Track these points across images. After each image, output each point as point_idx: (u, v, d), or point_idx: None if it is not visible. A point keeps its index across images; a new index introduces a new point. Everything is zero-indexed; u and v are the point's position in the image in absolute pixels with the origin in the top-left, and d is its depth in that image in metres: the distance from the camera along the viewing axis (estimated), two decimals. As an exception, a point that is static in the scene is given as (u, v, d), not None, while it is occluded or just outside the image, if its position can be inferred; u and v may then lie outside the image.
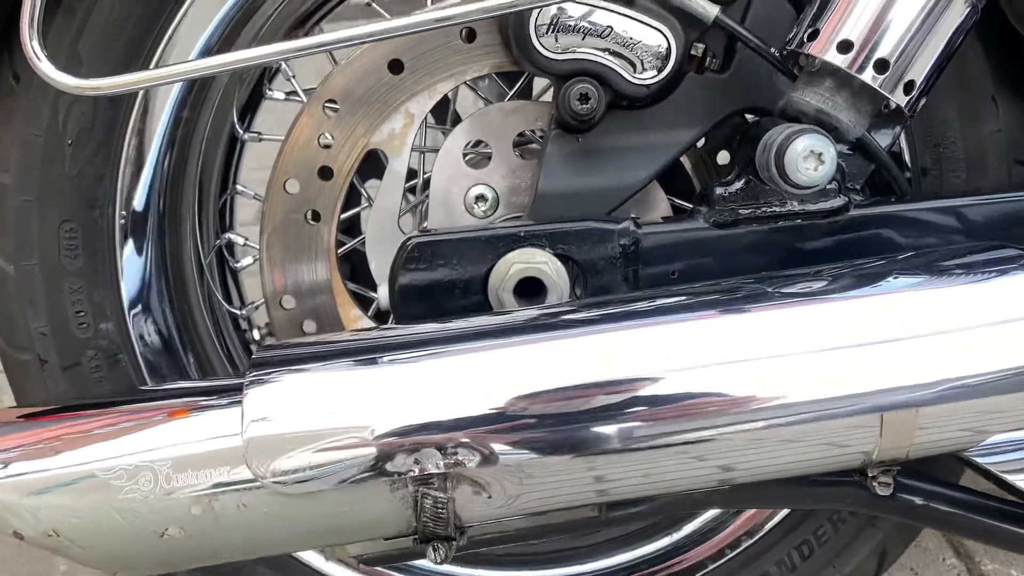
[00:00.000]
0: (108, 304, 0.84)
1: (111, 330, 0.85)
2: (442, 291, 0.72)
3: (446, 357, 0.60)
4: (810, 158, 0.64)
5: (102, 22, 0.78)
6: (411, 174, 0.86)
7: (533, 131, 0.82)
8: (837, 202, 0.70)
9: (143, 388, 0.68)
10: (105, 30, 0.78)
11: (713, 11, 0.70)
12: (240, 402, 0.58)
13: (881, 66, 0.62)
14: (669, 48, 0.72)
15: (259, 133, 0.95)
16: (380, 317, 0.87)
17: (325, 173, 0.82)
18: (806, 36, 0.65)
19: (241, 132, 0.93)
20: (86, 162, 0.81)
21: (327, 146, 0.81)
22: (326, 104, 0.80)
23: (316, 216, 0.83)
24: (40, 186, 0.81)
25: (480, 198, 0.82)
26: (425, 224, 0.83)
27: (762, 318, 0.59)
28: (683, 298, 0.61)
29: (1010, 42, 0.76)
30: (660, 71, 0.73)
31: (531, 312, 0.64)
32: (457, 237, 0.72)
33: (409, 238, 0.72)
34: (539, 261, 0.70)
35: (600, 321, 0.60)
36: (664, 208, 0.82)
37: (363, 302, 0.90)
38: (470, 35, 0.79)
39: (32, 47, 0.61)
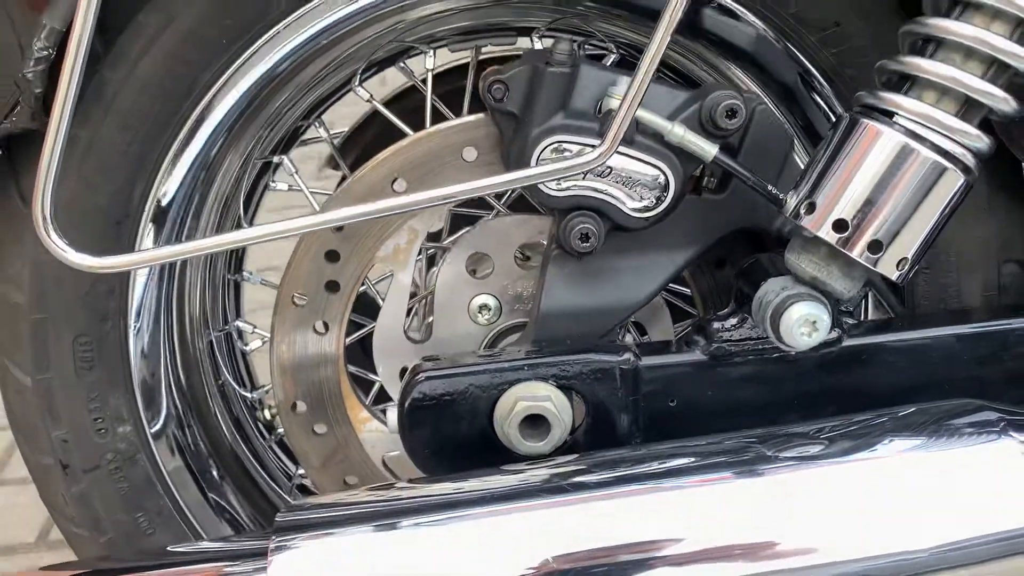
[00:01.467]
0: (124, 408, 0.87)
1: (129, 432, 0.88)
2: (449, 420, 0.75)
3: (468, 521, 0.63)
4: (805, 325, 0.66)
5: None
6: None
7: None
8: (831, 336, 0.72)
9: (169, 550, 0.71)
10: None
11: (712, 151, 0.71)
12: (265, 569, 0.62)
13: (875, 246, 0.64)
14: (667, 183, 0.74)
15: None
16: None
17: (332, 287, 0.84)
18: (803, 209, 0.66)
19: (246, 225, 0.95)
20: (96, 278, 0.83)
21: (335, 261, 0.83)
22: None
23: (325, 326, 0.85)
24: (53, 304, 0.83)
25: (484, 307, 0.85)
26: (431, 331, 0.85)
27: (765, 484, 0.62)
28: (688, 459, 0.65)
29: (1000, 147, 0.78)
30: (659, 203, 0.75)
31: (544, 472, 0.67)
32: (463, 371, 0.74)
33: (417, 370, 0.75)
34: (542, 397, 0.73)
35: (616, 483, 0.64)
36: (666, 320, 0.85)
37: (365, 386, 0.93)
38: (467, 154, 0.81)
39: (48, 234, 0.62)
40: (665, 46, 0.62)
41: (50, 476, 0.88)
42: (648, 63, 0.62)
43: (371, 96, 0.91)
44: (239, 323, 0.98)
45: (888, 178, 0.63)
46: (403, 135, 0.83)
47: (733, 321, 0.73)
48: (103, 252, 0.67)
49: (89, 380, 0.85)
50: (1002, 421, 0.62)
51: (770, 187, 0.71)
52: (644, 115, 0.71)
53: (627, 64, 0.89)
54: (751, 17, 0.79)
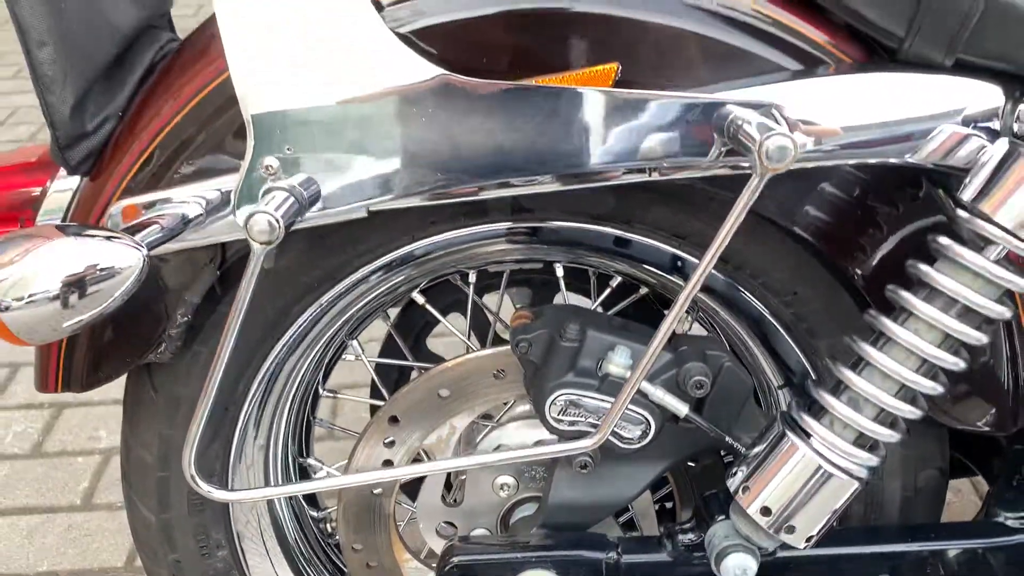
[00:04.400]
0: (223, 538, 1.12)
1: (225, 555, 1.13)
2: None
3: None
4: (738, 569, 0.88)
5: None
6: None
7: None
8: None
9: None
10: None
11: (684, 409, 0.93)
12: None
13: (790, 528, 0.86)
14: (650, 424, 0.95)
15: (334, 392, 1.20)
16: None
17: (387, 463, 1.07)
18: (741, 489, 0.88)
19: (323, 391, 1.18)
20: (206, 446, 1.07)
21: (390, 445, 1.06)
22: (390, 418, 1.05)
23: (381, 491, 1.09)
24: (173, 466, 1.07)
25: (504, 485, 1.08)
26: (463, 497, 1.09)
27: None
28: None
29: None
30: (643, 436, 0.96)
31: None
32: (486, 557, 0.97)
33: (450, 552, 0.98)
34: (545, 583, 0.97)
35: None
36: (650, 511, 1.08)
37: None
38: (499, 373, 1.03)
39: (197, 482, 0.87)
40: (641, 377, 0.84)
41: (166, 587, 1.14)
42: (631, 386, 0.84)
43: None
44: (311, 460, 1.22)
45: (801, 484, 0.84)
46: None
47: (691, 536, 0.96)
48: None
49: (196, 520, 1.10)
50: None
51: (728, 439, 0.93)
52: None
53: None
54: (722, 277, 1.00)
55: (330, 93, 0.80)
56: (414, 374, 1.29)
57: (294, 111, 0.80)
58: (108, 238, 0.74)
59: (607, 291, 1.12)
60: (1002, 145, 0.76)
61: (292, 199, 0.79)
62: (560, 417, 0.94)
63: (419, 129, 0.81)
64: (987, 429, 0.98)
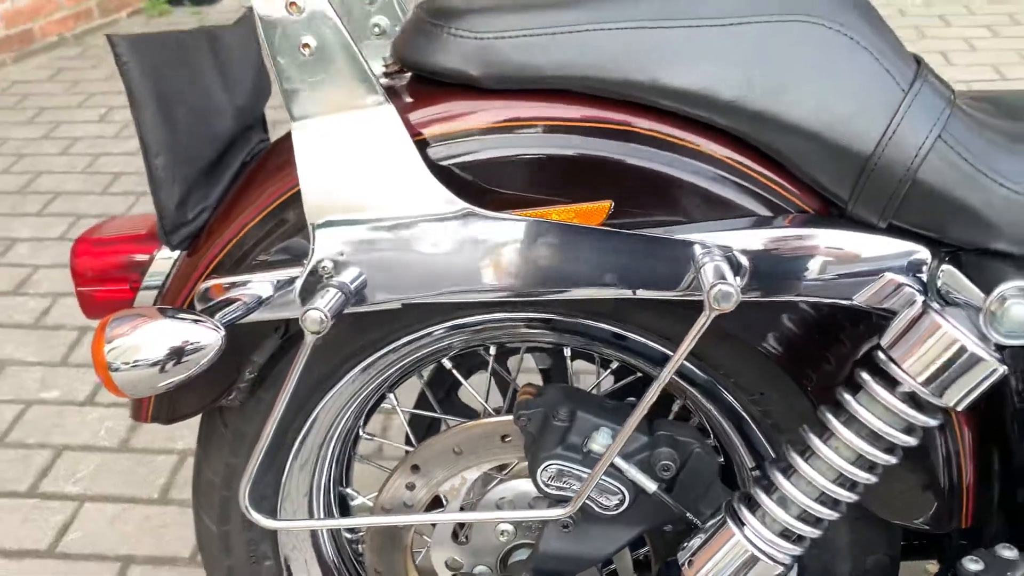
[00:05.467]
0: (269, 549, 1.34)
1: (271, 565, 1.35)
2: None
3: None
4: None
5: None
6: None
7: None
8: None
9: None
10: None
11: (652, 487, 1.10)
12: None
13: None
14: (624, 495, 1.13)
15: (372, 434, 1.41)
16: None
17: (407, 505, 1.27)
18: (687, 561, 1.04)
19: (364, 434, 1.39)
20: (261, 476, 1.29)
21: (411, 488, 1.26)
22: (412, 466, 1.25)
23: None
24: (234, 487, 1.29)
25: (504, 531, 1.26)
26: (470, 538, 1.28)
27: None
28: None
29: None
30: (620, 505, 1.14)
31: None
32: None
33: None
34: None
35: None
36: (629, 565, 1.25)
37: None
38: (505, 438, 1.22)
39: (249, 512, 1.08)
40: (613, 456, 1.02)
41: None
42: (603, 463, 1.02)
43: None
44: (348, 490, 1.43)
45: (734, 567, 1.01)
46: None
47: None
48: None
49: (248, 535, 1.32)
50: None
51: (689, 515, 1.10)
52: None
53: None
54: (699, 373, 1.17)
55: (377, 213, 1.00)
56: (443, 425, 1.49)
57: (348, 225, 1.01)
58: (195, 321, 0.96)
59: (607, 372, 1.30)
60: (917, 305, 0.92)
61: (341, 295, 1.00)
62: (549, 483, 1.13)
63: (446, 247, 1.01)
64: (925, 527, 1.12)
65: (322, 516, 1.38)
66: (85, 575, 1.99)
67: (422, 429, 1.49)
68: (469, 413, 1.54)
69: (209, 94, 1.15)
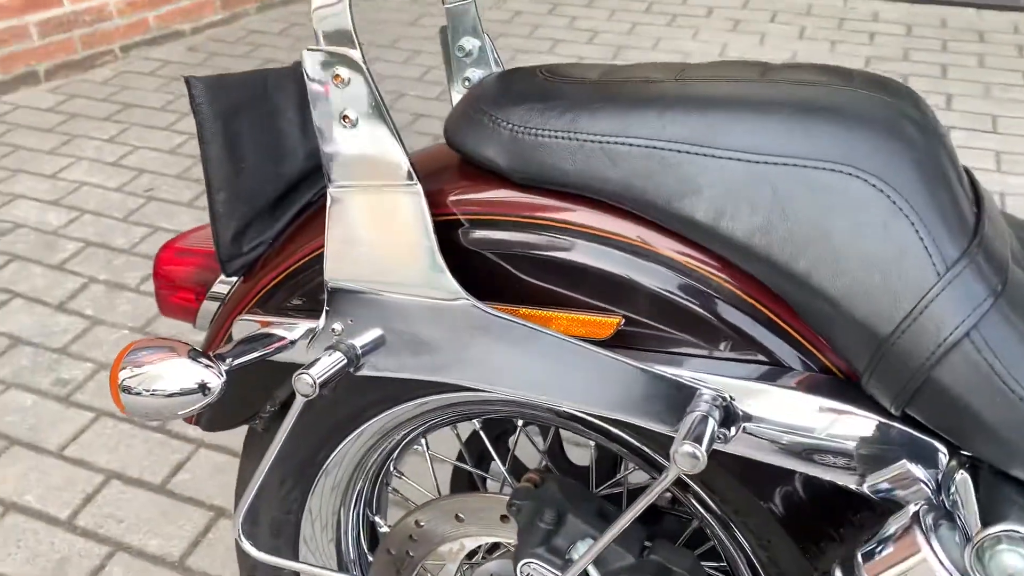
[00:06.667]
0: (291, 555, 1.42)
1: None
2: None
3: None
4: None
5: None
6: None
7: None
8: None
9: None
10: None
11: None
12: None
13: None
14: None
15: (401, 472, 1.44)
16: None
17: (408, 554, 1.30)
18: None
19: (393, 470, 1.43)
20: (285, 494, 1.36)
21: (413, 540, 1.29)
22: (416, 520, 1.27)
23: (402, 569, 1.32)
24: (264, 497, 1.37)
25: (501, 589, 1.26)
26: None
27: None
28: None
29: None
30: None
31: None
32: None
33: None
34: None
35: None
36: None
37: None
38: (505, 517, 1.21)
39: (242, 538, 1.15)
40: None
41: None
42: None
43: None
44: (376, 518, 1.47)
45: None
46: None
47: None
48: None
49: (272, 543, 1.40)
50: None
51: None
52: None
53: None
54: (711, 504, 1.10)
55: (388, 288, 1.02)
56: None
57: (360, 294, 1.03)
58: (207, 366, 1.02)
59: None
60: (904, 517, 0.81)
61: (342, 360, 1.03)
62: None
63: (445, 333, 1.00)
64: None
65: (351, 542, 1.44)
66: (180, 518, 2.18)
67: (463, 481, 1.51)
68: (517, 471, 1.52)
69: (284, 135, 1.20)
